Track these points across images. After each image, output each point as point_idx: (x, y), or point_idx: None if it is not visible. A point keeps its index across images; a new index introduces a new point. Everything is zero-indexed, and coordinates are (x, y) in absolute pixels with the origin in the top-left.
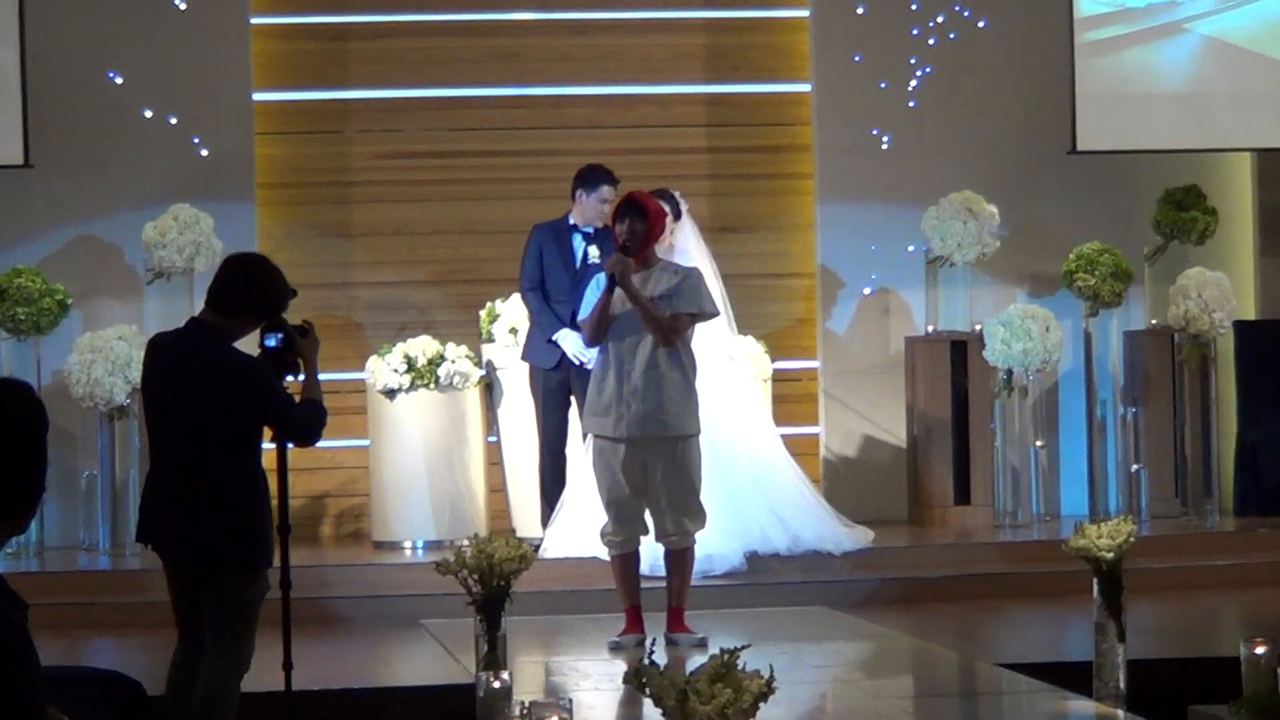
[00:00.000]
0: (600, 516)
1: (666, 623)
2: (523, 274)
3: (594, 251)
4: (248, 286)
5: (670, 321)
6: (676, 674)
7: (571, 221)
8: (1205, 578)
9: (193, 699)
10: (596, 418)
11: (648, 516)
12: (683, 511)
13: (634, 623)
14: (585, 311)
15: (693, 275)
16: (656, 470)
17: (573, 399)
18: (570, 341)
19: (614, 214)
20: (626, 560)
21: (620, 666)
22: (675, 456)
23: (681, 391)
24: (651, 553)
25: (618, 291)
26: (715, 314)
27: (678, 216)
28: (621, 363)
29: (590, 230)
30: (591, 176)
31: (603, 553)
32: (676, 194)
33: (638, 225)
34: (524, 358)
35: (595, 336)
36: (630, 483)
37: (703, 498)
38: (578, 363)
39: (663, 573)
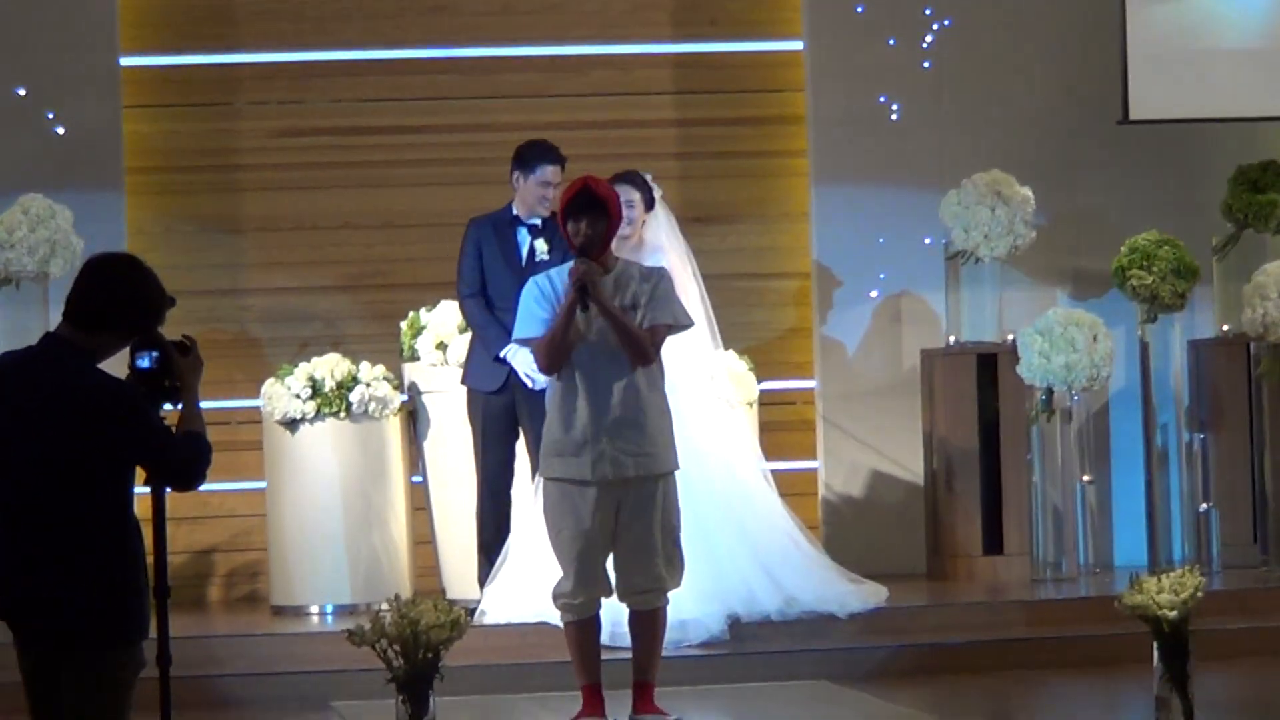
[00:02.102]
0: (550, 573)
1: (632, 703)
2: (460, 278)
3: (541, 246)
4: (112, 295)
5: (649, 337)
6: None
7: (514, 212)
8: None
9: None
10: (562, 458)
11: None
12: (663, 561)
13: (593, 703)
14: (526, 330)
15: (664, 279)
16: (632, 516)
17: (520, 429)
18: (521, 358)
19: (564, 207)
20: (585, 627)
21: None
22: (655, 499)
23: (664, 420)
24: (612, 618)
25: (588, 305)
26: (690, 324)
27: (650, 205)
28: (595, 391)
29: (536, 221)
30: (529, 155)
31: (553, 616)
32: (648, 177)
33: (599, 224)
34: (464, 381)
35: (554, 362)
36: (601, 532)
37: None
38: (529, 384)
39: (625, 642)
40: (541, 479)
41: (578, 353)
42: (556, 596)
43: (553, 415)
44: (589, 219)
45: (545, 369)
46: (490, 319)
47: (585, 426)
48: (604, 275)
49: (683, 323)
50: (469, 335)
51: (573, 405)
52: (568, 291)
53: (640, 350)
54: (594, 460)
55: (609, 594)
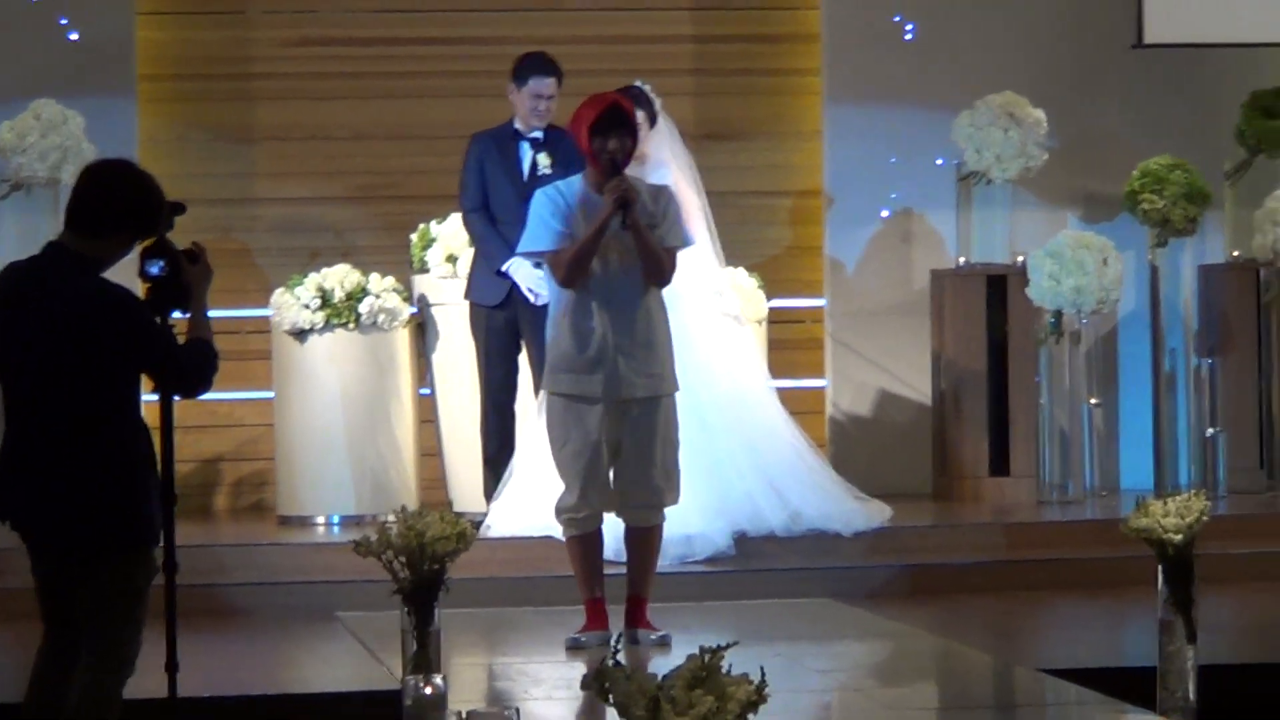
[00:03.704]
0: (555, 488)
1: (625, 617)
2: (463, 192)
3: (543, 160)
4: (110, 199)
5: (669, 257)
6: (646, 678)
7: (515, 126)
8: None
9: (63, 707)
10: (573, 375)
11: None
12: (661, 479)
13: (596, 617)
14: (537, 241)
15: (672, 199)
16: (635, 433)
17: (523, 344)
18: (524, 272)
19: (592, 123)
20: (588, 542)
21: (579, 669)
22: (659, 417)
23: (669, 341)
24: (615, 533)
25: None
26: (692, 243)
27: (653, 121)
28: (613, 310)
29: (538, 135)
30: (520, 68)
31: (558, 530)
32: (647, 88)
33: (629, 141)
34: (467, 295)
35: (577, 277)
36: (606, 448)
37: (683, 467)
38: (531, 298)
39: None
40: (545, 393)
41: (600, 271)
42: (560, 511)
43: (563, 331)
44: (618, 136)
45: (565, 283)
46: (493, 233)
47: (600, 345)
48: None
49: (690, 242)
50: None
51: (588, 323)
52: (586, 204)
53: (661, 271)
54: (606, 378)
55: (612, 509)
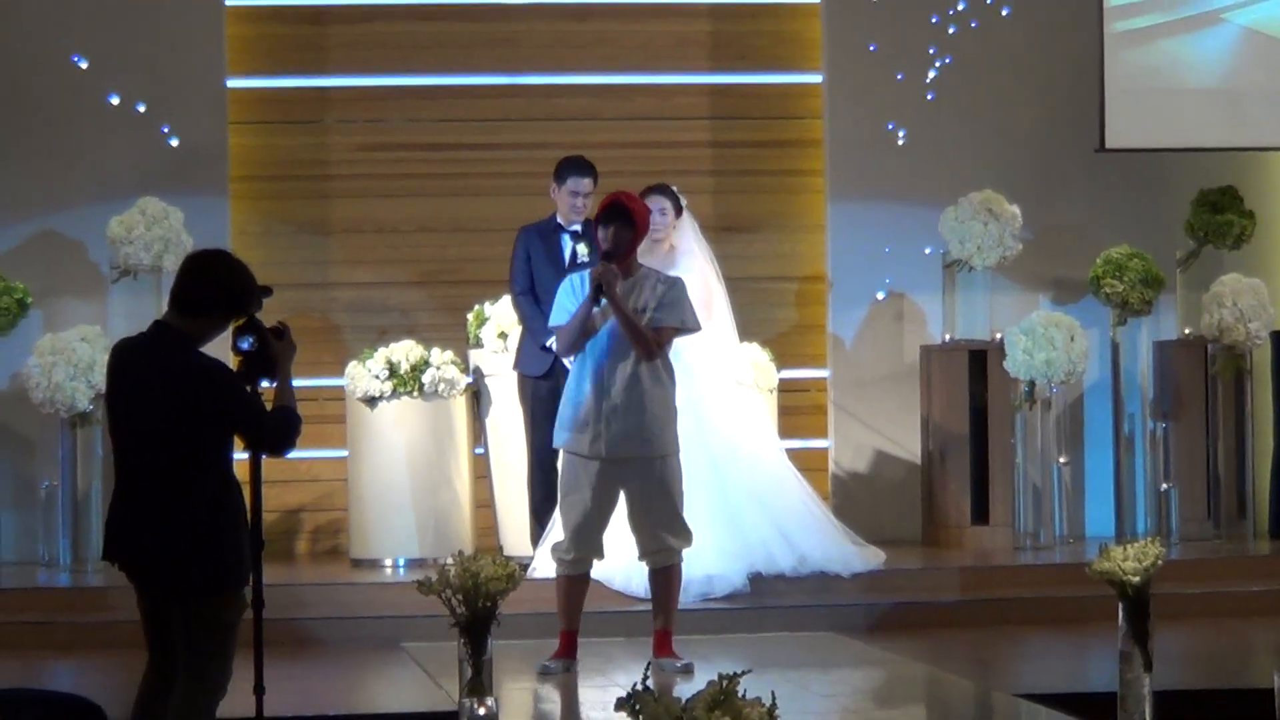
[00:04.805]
0: None
1: (653, 646)
2: (512, 278)
3: (582, 249)
4: (208, 284)
5: (653, 335)
6: (671, 701)
7: (557, 220)
8: (1238, 604)
9: None
10: (570, 433)
11: (607, 539)
12: (665, 528)
13: (567, 647)
14: (559, 318)
15: (676, 286)
16: (635, 490)
17: None
18: None
19: (597, 214)
20: (575, 582)
21: (614, 693)
22: (654, 475)
23: (663, 409)
24: (641, 574)
25: (602, 302)
26: (697, 328)
27: (679, 213)
28: (601, 377)
29: (577, 228)
30: (561, 169)
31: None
32: (675, 189)
33: (624, 232)
34: (515, 367)
35: (573, 347)
36: (596, 502)
37: (703, 515)
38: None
39: (641, 594)
40: (561, 451)
41: (593, 343)
42: (554, 551)
43: (566, 394)
44: (616, 226)
45: (561, 352)
46: (538, 313)
47: (589, 408)
48: (626, 279)
49: (689, 325)
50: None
51: (582, 388)
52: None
53: (644, 346)
54: (592, 439)
55: (601, 557)
